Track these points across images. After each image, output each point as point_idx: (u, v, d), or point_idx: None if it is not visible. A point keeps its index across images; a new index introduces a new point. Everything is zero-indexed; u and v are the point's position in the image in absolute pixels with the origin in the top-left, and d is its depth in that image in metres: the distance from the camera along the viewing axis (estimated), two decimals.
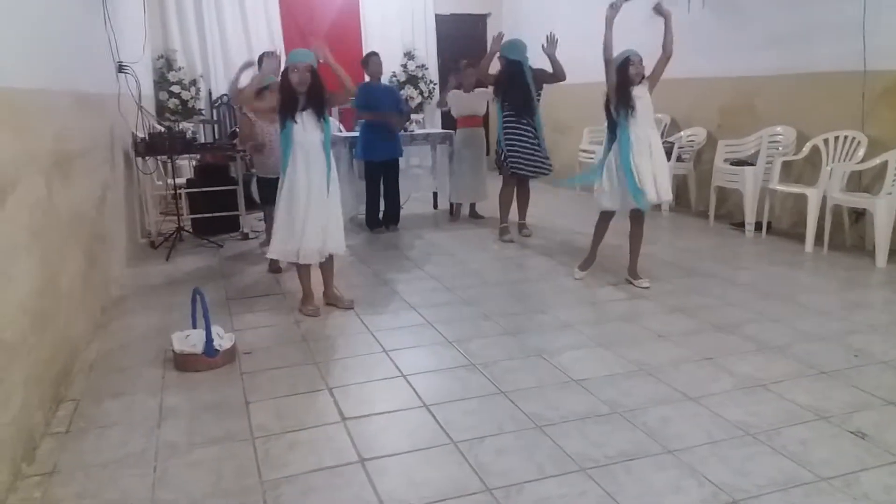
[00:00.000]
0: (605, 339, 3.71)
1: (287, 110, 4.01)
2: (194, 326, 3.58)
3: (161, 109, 9.33)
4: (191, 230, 6.48)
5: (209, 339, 3.44)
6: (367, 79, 6.56)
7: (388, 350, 3.65)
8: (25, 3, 3.28)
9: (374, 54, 6.56)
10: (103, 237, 4.58)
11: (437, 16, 10.66)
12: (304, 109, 4.01)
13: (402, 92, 9.27)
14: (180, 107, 9.40)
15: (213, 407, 3.06)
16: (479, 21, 11.05)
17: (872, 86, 5.31)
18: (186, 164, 7.73)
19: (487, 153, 7.18)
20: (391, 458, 2.60)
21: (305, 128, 4.03)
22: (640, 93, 4.52)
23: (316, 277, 4.39)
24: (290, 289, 4.78)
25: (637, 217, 4.63)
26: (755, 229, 6.00)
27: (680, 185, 7.39)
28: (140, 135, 6.20)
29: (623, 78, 4.51)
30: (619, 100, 4.49)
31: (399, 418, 2.91)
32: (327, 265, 4.34)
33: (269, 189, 5.12)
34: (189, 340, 3.48)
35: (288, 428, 2.84)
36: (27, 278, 2.84)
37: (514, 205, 6.34)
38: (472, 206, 7.20)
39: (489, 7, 11.02)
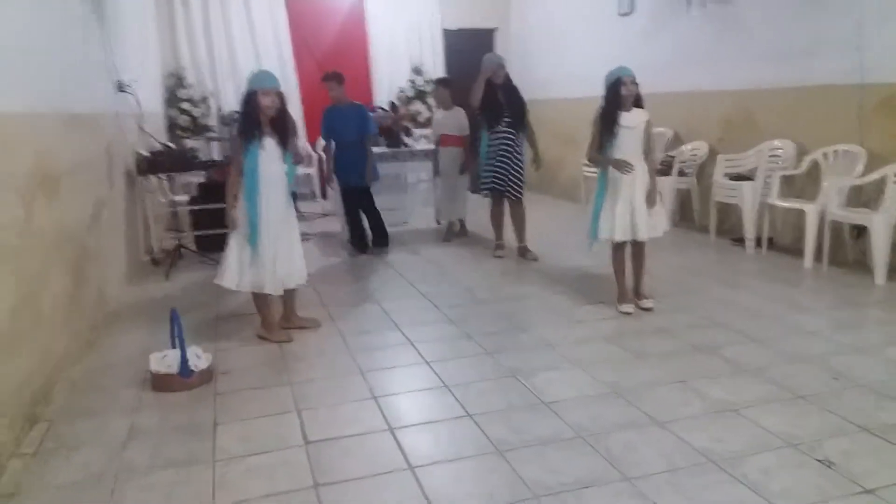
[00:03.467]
0: (583, 360, 3.67)
1: (251, 134, 3.89)
2: (173, 346, 3.61)
3: (172, 126, 9.47)
4: (194, 247, 6.55)
5: (184, 360, 3.47)
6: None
7: (364, 371, 3.65)
8: (4, 31, 3.36)
9: (333, 76, 6.31)
10: (96, 255, 4.64)
11: (444, 31, 10.70)
12: (269, 136, 3.93)
13: (378, 110, 8.87)
14: (191, 124, 9.54)
15: (181, 428, 3.08)
16: (486, 36, 11.07)
17: (869, 99, 5.22)
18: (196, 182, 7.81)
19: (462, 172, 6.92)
20: (345, 483, 2.59)
21: (269, 156, 3.94)
22: (631, 122, 4.32)
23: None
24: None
25: (636, 243, 4.52)
26: (756, 245, 5.91)
27: (683, 200, 7.33)
28: (144, 153, 6.29)
29: (613, 99, 4.32)
30: (604, 125, 4.36)
31: (361, 442, 2.91)
32: (288, 294, 4.27)
33: None
34: (166, 361, 3.52)
35: (250, 451, 2.86)
36: None
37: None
38: (461, 222, 7.11)
39: (497, 22, 11.04)
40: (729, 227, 6.52)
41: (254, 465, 2.74)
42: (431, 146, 7.97)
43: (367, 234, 6.61)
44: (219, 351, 4.03)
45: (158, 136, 8.27)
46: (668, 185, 6.89)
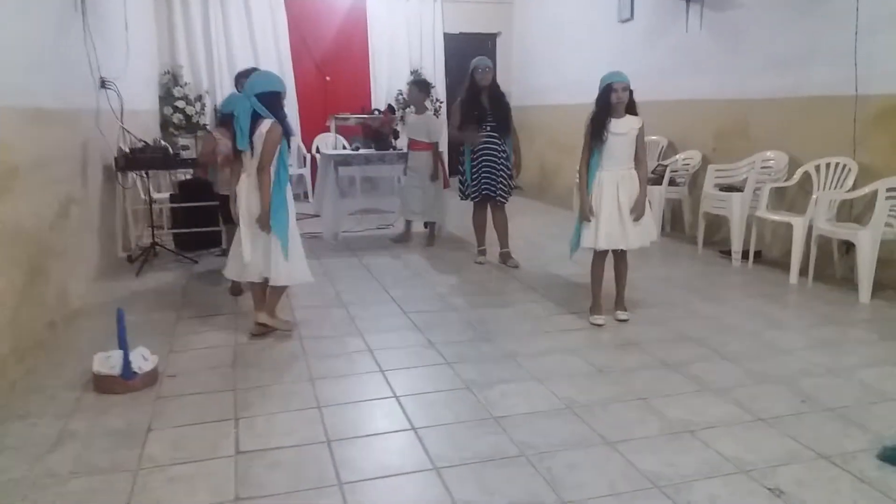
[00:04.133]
0: (543, 373, 3.53)
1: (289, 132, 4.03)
2: (120, 347, 3.49)
3: (165, 124, 9.41)
4: (172, 245, 6.46)
5: (126, 362, 3.35)
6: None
7: (314, 378, 3.52)
8: None
9: (245, 73, 5.19)
10: (61, 252, 4.54)
11: (445, 34, 10.60)
12: None
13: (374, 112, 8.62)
14: (184, 122, 9.47)
15: (112, 433, 2.96)
16: (488, 40, 10.96)
17: (864, 111, 5.05)
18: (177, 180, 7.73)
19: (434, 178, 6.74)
20: (267, 498, 2.46)
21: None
22: (621, 128, 4.17)
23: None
24: (242, 309, 4.70)
25: (619, 253, 4.36)
26: (742, 258, 5.74)
27: (675, 210, 7.17)
28: (124, 149, 6.21)
29: (604, 105, 4.18)
30: (593, 131, 4.21)
31: (294, 454, 2.77)
32: (269, 289, 4.17)
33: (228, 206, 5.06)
34: (109, 362, 3.41)
35: (177, 460, 2.73)
36: None
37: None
38: (433, 225, 6.94)
39: (499, 27, 10.93)
40: (719, 239, 6.36)
41: (177, 475, 2.62)
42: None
43: None
44: (172, 352, 3.92)
45: (152, 133, 8.23)
46: (659, 194, 6.73)
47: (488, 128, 5.79)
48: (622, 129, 4.18)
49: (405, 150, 6.90)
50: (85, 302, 4.88)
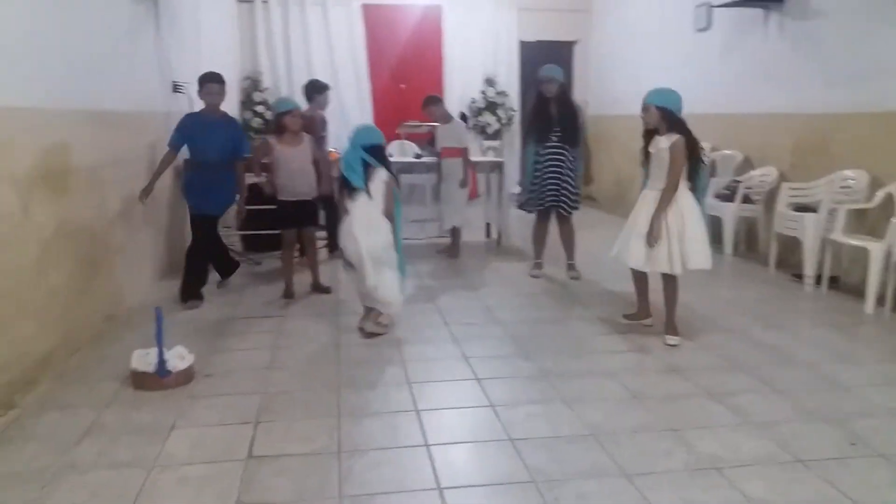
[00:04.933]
0: (573, 395, 3.39)
1: None
2: (159, 345, 3.59)
3: (245, 128, 9.71)
4: (240, 246, 6.65)
5: (161, 360, 3.45)
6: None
7: (342, 386, 3.52)
8: (38, 31, 3.54)
9: (211, 77, 5.14)
10: (119, 249, 4.74)
11: (521, 42, 10.49)
12: None
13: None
14: (263, 126, 9.75)
15: (139, 429, 3.05)
16: (565, 48, 10.77)
17: None
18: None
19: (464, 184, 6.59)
20: None
21: None
22: (660, 145, 4.09)
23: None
24: (291, 313, 4.77)
25: (666, 276, 4.18)
26: (815, 283, 5.39)
27: (749, 229, 6.82)
28: None
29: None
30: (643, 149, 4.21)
31: (303, 463, 2.77)
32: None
33: (284, 212, 5.15)
34: (147, 359, 3.51)
35: (192, 460, 2.78)
36: None
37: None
38: (456, 233, 6.79)
39: (577, 34, 10.71)
40: (794, 262, 5.99)
41: (187, 475, 2.66)
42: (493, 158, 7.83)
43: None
44: (215, 352, 4.02)
45: None
46: (731, 212, 6.41)
47: (555, 138, 5.68)
48: (661, 145, 4.10)
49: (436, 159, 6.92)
50: (143, 298, 5.06)
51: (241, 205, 5.47)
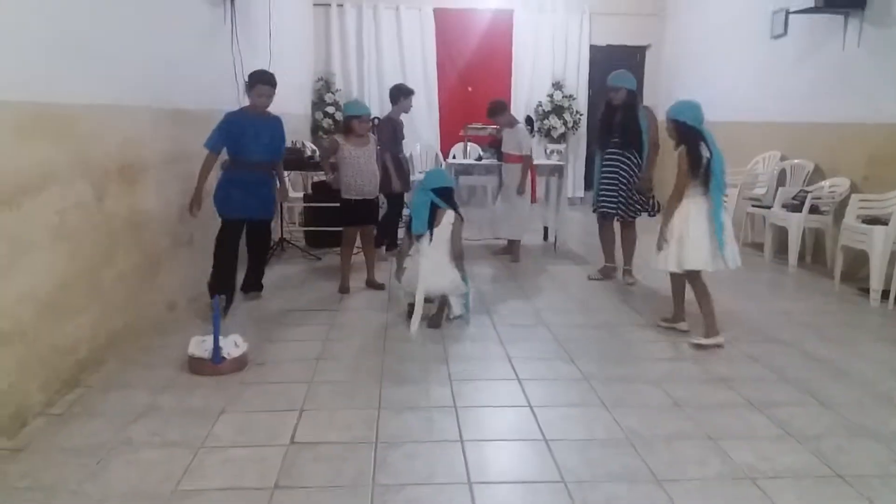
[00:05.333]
0: (614, 400, 3.40)
1: None
2: (215, 333, 3.76)
3: (316, 128, 10.01)
4: (304, 242, 6.89)
5: (216, 347, 3.62)
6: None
7: (385, 379, 3.62)
8: (120, 32, 3.83)
9: (263, 78, 4.85)
10: (186, 241, 4.98)
11: (592, 46, 10.43)
12: None
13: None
14: (333, 126, 10.01)
15: (191, 412, 3.22)
16: (636, 53, 10.65)
17: None
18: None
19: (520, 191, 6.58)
20: (304, 489, 2.57)
21: None
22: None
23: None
24: (344, 307, 4.92)
25: (677, 276, 4.38)
26: (882, 298, 5.19)
27: (817, 240, 6.62)
28: None
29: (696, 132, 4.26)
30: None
31: (341, 451, 2.87)
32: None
33: (348, 210, 5.30)
34: (203, 345, 3.70)
35: (237, 443, 2.92)
36: (42, 274, 3.18)
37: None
38: (515, 244, 6.81)
39: (649, 39, 10.57)
40: (863, 276, 5.78)
41: (232, 457, 2.80)
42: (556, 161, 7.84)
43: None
44: (269, 342, 4.18)
45: (301, 136, 8.79)
46: (797, 222, 6.24)
47: (614, 144, 5.67)
48: None
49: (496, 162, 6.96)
50: (205, 289, 5.27)
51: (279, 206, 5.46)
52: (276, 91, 5.00)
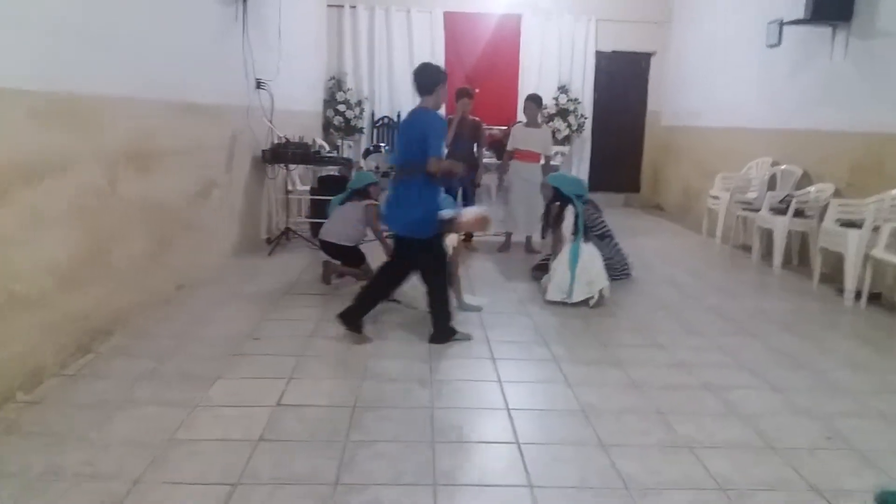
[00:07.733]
0: (577, 379, 3.68)
1: None
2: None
3: (327, 125, 10.35)
4: (310, 232, 7.21)
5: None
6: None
7: (371, 356, 3.92)
8: (136, 28, 4.14)
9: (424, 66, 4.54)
10: (196, 227, 5.32)
11: (598, 52, 10.68)
12: None
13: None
14: (343, 124, 10.35)
15: (190, 377, 3.52)
16: (641, 59, 10.88)
17: None
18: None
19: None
20: (284, 443, 2.89)
21: None
22: None
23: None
24: (336, 292, 5.23)
25: None
26: (856, 298, 5.42)
27: (803, 243, 6.83)
28: (276, 142, 6.99)
29: None
30: None
31: (322, 413, 3.19)
32: None
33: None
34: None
35: (228, 403, 3.25)
36: (60, 247, 3.52)
37: None
38: (529, 238, 7.12)
39: (655, 46, 10.80)
40: (841, 277, 5.99)
41: (223, 415, 3.13)
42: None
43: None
44: (266, 320, 4.50)
45: (312, 133, 9.13)
46: (781, 225, 6.47)
47: None
48: None
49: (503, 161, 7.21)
50: (215, 272, 5.62)
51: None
52: (288, 89, 5.33)
